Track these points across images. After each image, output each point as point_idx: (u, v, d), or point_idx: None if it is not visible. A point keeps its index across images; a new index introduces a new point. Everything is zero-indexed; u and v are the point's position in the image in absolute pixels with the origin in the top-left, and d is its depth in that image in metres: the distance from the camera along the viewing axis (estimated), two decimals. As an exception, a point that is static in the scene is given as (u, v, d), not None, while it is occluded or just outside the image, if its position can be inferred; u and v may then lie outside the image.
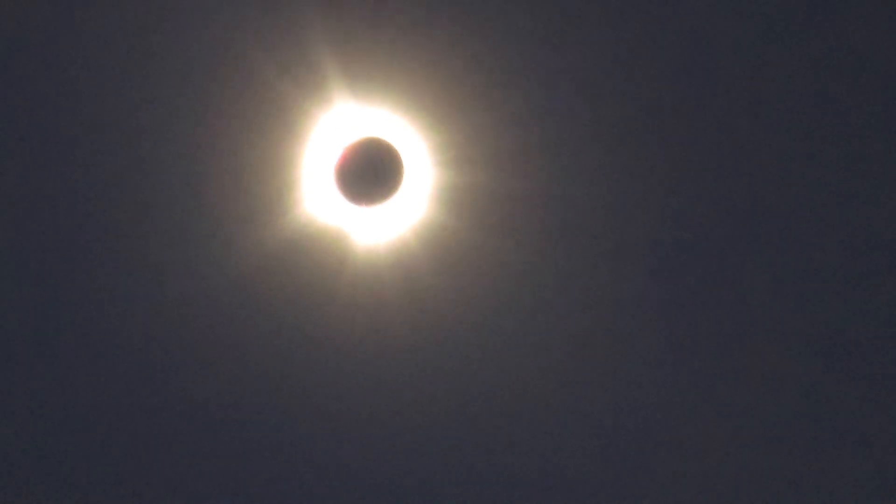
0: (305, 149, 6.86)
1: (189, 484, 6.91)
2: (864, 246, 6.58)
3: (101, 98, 6.65)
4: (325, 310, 6.91)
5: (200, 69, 6.71)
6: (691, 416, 6.79)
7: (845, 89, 6.49)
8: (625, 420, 6.79)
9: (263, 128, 6.79)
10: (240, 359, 6.93)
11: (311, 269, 6.89)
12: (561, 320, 6.87)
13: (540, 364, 6.91)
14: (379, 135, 6.84)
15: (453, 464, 6.93)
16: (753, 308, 6.73)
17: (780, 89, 6.67)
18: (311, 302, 6.88)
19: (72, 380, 6.84)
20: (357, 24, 6.69)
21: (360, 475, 6.93)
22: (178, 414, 6.93)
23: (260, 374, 6.92)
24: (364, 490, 6.91)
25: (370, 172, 6.83)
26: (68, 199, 6.75)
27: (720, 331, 6.69)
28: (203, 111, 6.76)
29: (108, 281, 6.83)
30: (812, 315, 6.69)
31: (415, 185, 6.91)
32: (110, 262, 6.78)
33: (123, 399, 6.91)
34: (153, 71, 6.71)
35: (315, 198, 6.90)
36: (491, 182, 6.82)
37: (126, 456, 6.87)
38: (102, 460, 6.85)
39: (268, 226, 6.85)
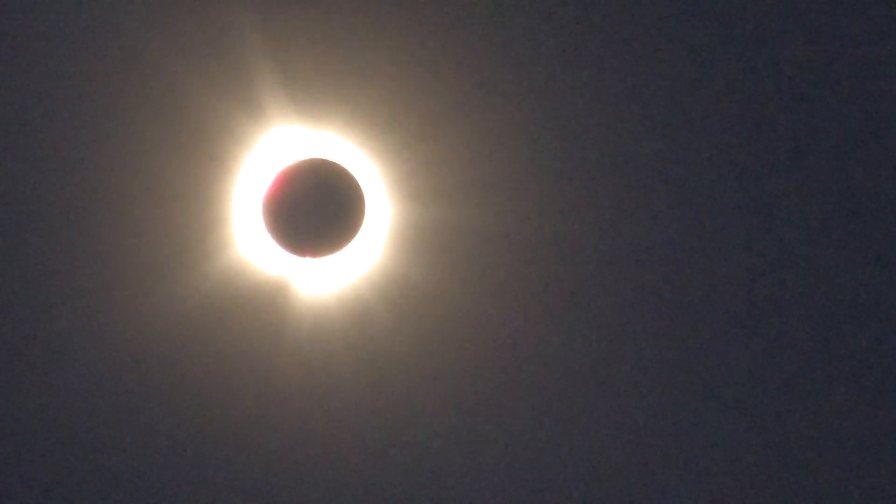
0: (236, 179, 5.60)
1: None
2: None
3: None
4: (261, 376, 5.65)
5: (105, 80, 5.45)
6: (674, 439, 5.66)
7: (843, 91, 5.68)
8: (602, 469, 5.60)
9: (185, 154, 5.53)
10: (159, 432, 5.66)
11: (244, 325, 5.63)
12: (535, 376, 5.72)
13: (510, 419, 5.75)
14: (327, 158, 5.59)
15: None
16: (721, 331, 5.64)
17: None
18: (243, 365, 5.63)
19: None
20: (299, 28, 5.46)
21: None
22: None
23: (181, 451, 5.65)
24: None
25: (315, 209, 5.57)
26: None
27: (701, 362, 5.75)
28: (109, 133, 5.50)
29: (5, 342, 5.57)
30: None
31: (372, 224, 5.67)
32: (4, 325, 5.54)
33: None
34: (46, 83, 5.44)
35: (248, 239, 5.65)
36: (464, 220, 5.60)
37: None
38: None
39: (191, 273, 5.59)
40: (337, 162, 5.60)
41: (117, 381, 5.61)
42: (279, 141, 5.58)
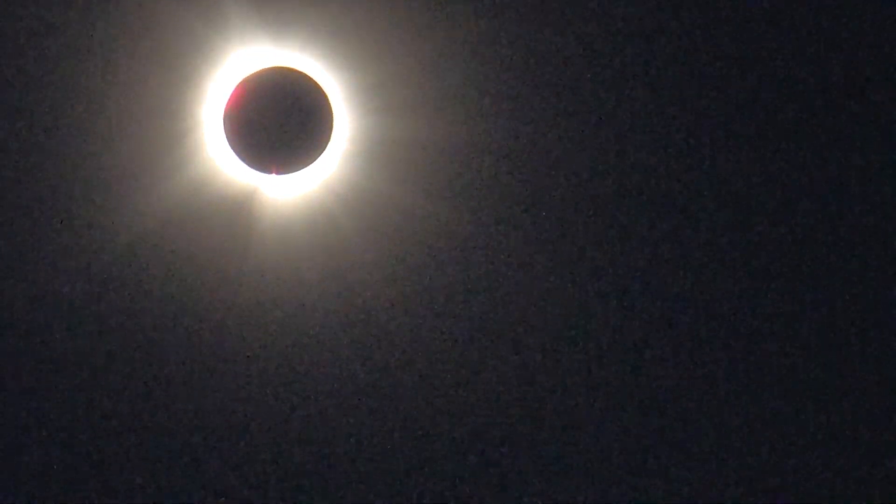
0: (203, 93, 5.58)
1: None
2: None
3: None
4: (228, 283, 5.56)
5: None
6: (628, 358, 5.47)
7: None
8: (550, 369, 5.48)
9: (152, 67, 5.53)
10: (130, 342, 5.56)
11: (211, 234, 5.56)
12: (487, 275, 5.56)
13: (464, 313, 5.58)
14: (292, 67, 5.56)
15: (381, 425, 5.53)
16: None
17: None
18: (211, 273, 5.54)
19: None
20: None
21: (276, 448, 5.51)
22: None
23: (151, 359, 5.54)
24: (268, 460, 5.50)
25: (282, 123, 5.52)
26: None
27: (666, 262, 5.55)
28: (77, 49, 5.52)
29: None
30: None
31: (335, 136, 5.61)
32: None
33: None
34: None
35: (216, 150, 5.61)
36: (424, 132, 5.54)
37: None
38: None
39: (159, 185, 5.55)
40: (301, 71, 5.56)
41: (89, 292, 5.53)
42: (244, 55, 5.56)
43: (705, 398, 5.61)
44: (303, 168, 5.60)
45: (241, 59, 5.57)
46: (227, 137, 5.55)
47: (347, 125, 5.60)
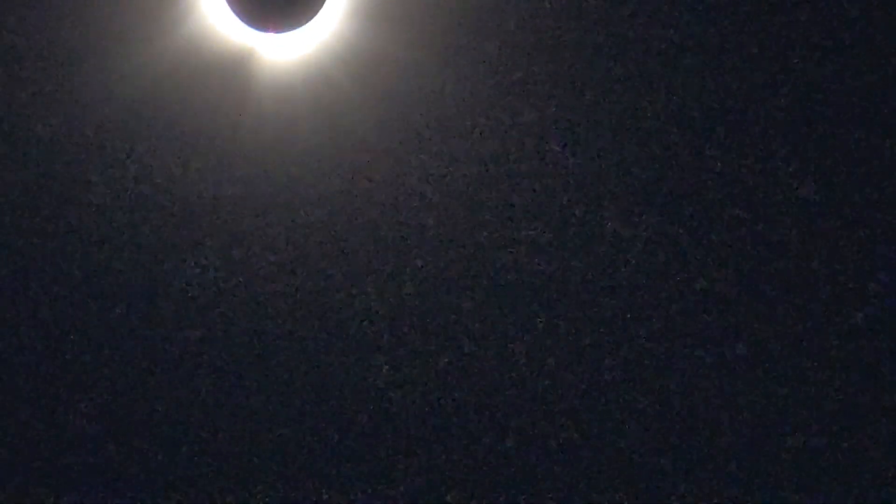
0: (198, -51, 5.46)
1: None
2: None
3: None
4: (222, 149, 5.44)
5: None
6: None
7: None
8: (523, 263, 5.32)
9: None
10: (118, 211, 5.46)
11: (205, 98, 5.44)
12: (489, 139, 5.43)
13: (464, 177, 5.44)
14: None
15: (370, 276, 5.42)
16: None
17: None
18: (209, 133, 5.43)
19: None
20: None
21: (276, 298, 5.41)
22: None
23: (145, 221, 5.44)
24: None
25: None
26: None
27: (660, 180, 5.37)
28: None
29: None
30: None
31: (334, -4, 5.48)
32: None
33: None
34: None
35: (209, 8, 5.49)
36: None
37: None
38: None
39: (148, 45, 5.43)
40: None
41: (83, 152, 5.43)
42: None
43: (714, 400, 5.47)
44: (299, 26, 5.47)
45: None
46: (225, -3, 5.43)
47: (346, -18, 5.47)
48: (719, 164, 5.43)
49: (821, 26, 5.48)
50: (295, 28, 5.48)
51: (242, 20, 5.46)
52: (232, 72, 5.46)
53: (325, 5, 5.46)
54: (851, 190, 5.43)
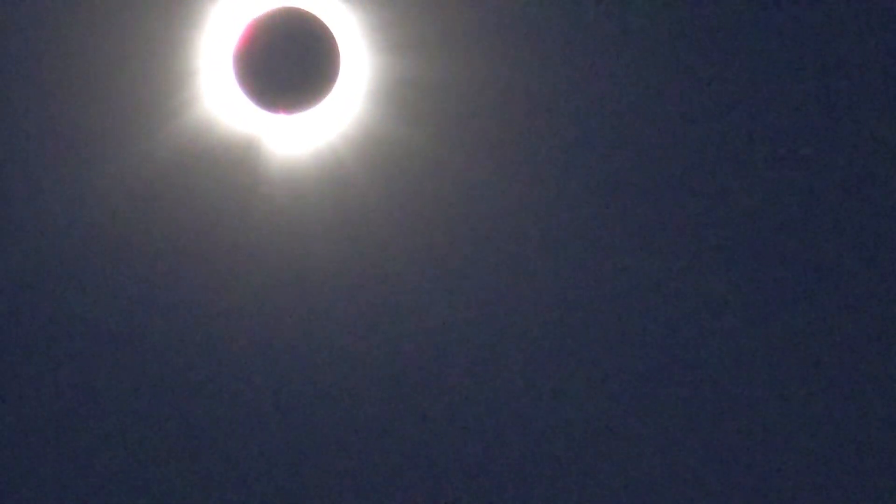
0: (208, 31, 5.33)
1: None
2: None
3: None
4: (232, 238, 5.36)
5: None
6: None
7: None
8: (563, 328, 5.38)
9: (155, 3, 5.28)
10: (130, 289, 5.38)
11: (216, 181, 5.35)
12: (508, 227, 5.42)
13: (482, 267, 5.45)
14: (301, 6, 5.32)
15: (379, 393, 5.42)
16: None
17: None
18: (215, 223, 5.35)
19: None
20: None
21: (275, 415, 5.39)
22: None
23: (152, 306, 5.37)
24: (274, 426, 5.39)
25: (288, 63, 5.29)
26: None
27: (677, 215, 5.48)
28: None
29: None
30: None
31: (349, 78, 5.39)
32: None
33: None
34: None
35: (219, 93, 5.39)
36: (443, 73, 5.32)
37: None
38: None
39: (160, 129, 5.32)
40: (311, 10, 5.32)
41: (92, 234, 5.34)
42: (251, -10, 5.32)
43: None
44: (311, 108, 5.38)
45: (246, -5, 5.33)
46: (236, 77, 5.32)
47: (357, 64, 5.38)
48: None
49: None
50: (305, 110, 5.40)
51: (254, 102, 5.36)
52: (243, 153, 5.37)
53: (336, 87, 5.37)
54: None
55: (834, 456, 5.54)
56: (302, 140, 5.40)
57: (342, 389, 5.40)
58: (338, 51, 5.33)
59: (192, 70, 5.34)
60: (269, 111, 5.37)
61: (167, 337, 5.36)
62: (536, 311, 5.45)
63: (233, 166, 5.35)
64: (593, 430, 5.45)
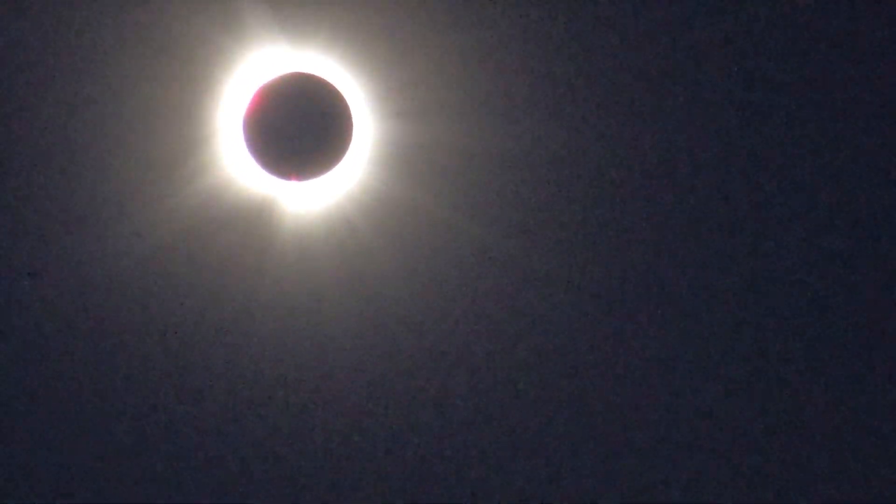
0: (220, 99, 5.52)
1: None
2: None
3: None
4: (244, 298, 5.51)
5: (89, 6, 5.43)
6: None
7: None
8: (591, 389, 5.55)
9: (167, 70, 5.47)
10: (145, 354, 5.53)
11: (228, 247, 5.51)
12: (512, 287, 5.59)
13: (488, 326, 5.61)
14: (310, 72, 5.50)
15: (397, 444, 5.56)
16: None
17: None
18: (229, 284, 5.50)
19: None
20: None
21: (284, 466, 5.53)
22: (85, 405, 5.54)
23: (167, 372, 5.52)
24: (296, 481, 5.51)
25: (299, 128, 5.47)
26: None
27: (676, 275, 5.61)
28: (95, 57, 5.46)
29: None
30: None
31: (360, 145, 5.56)
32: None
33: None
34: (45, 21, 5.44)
35: (231, 158, 5.56)
36: (447, 138, 5.49)
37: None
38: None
39: (174, 194, 5.49)
40: (321, 76, 5.50)
41: (106, 300, 5.49)
42: (262, 59, 5.50)
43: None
44: (322, 174, 5.55)
45: (258, 63, 5.50)
46: (246, 143, 5.49)
47: (367, 130, 5.55)
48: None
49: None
50: (317, 176, 5.55)
51: (265, 168, 5.52)
52: (254, 219, 5.54)
53: (346, 154, 5.54)
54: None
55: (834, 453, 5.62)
56: (312, 202, 5.56)
57: (351, 443, 5.53)
58: (348, 117, 5.50)
59: (205, 136, 5.52)
60: (281, 178, 5.53)
61: (182, 399, 5.50)
62: (540, 367, 5.59)
63: (246, 228, 5.51)
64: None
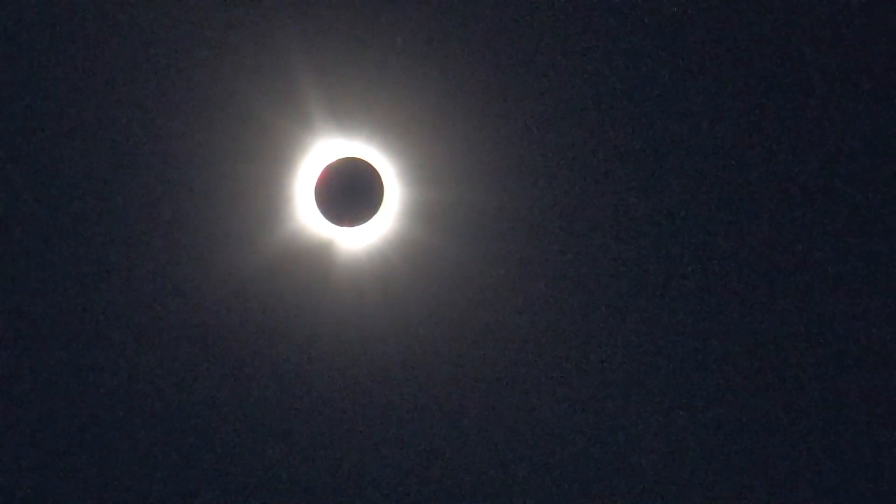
0: (292, 172, 7.69)
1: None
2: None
3: (101, 119, 7.44)
4: (313, 318, 7.67)
5: (200, 106, 7.56)
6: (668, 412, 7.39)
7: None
8: (606, 423, 7.24)
9: (254, 154, 7.61)
10: (234, 367, 7.64)
11: (299, 282, 7.65)
12: (532, 325, 7.54)
13: (517, 370, 7.47)
14: (358, 156, 7.68)
15: (434, 472, 7.63)
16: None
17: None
18: (299, 311, 7.64)
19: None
20: (338, 59, 7.55)
21: (342, 487, 7.54)
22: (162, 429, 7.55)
23: (251, 380, 7.64)
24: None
25: (351, 193, 7.65)
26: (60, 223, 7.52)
27: (697, 339, 7.17)
28: (201, 141, 7.59)
29: (100, 297, 7.46)
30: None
31: (392, 203, 7.73)
32: (101, 280, 7.46)
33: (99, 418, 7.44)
34: (157, 103, 7.56)
35: (301, 217, 7.71)
36: (458, 198, 7.61)
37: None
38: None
39: (258, 243, 7.62)
40: (364, 158, 7.68)
41: (208, 318, 7.62)
42: (322, 142, 7.67)
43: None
44: (366, 223, 7.72)
45: (320, 145, 7.67)
46: (316, 201, 7.64)
47: (398, 193, 7.71)
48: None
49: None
50: (362, 223, 7.72)
51: (326, 218, 7.69)
52: (317, 259, 7.70)
53: (384, 210, 7.71)
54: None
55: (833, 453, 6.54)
56: (360, 246, 7.74)
57: (395, 469, 7.49)
58: (382, 184, 7.68)
59: (283, 200, 7.70)
60: (336, 224, 7.70)
61: (247, 408, 7.66)
62: (558, 402, 7.45)
63: (310, 268, 7.67)
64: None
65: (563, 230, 7.51)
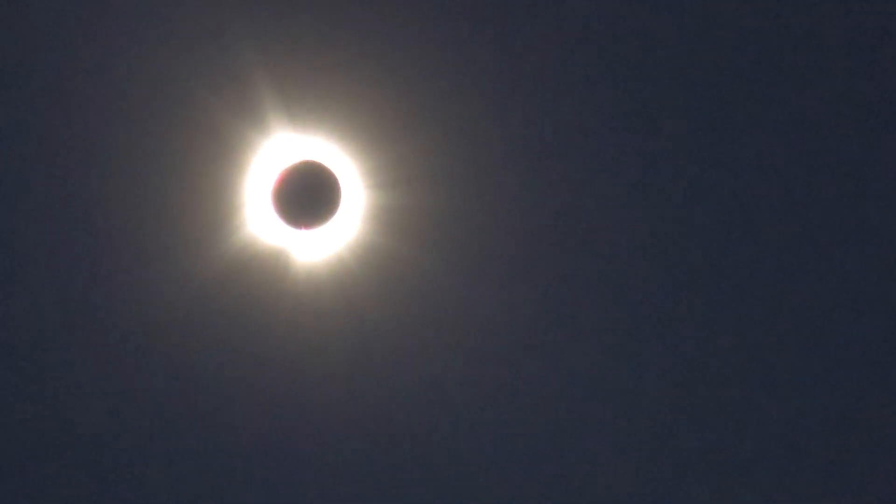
0: (246, 175, 7.45)
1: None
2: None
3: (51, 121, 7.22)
4: (269, 324, 7.48)
5: (148, 105, 7.30)
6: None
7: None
8: (572, 433, 7.24)
9: (207, 156, 7.37)
10: (187, 374, 7.46)
11: (256, 286, 7.45)
12: (488, 331, 7.42)
13: (479, 375, 7.41)
14: (315, 159, 7.44)
15: (390, 482, 7.51)
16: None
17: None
18: (255, 317, 7.45)
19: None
20: (294, 57, 7.30)
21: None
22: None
23: (206, 387, 7.46)
24: None
25: (307, 196, 7.41)
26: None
27: (681, 347, 7.20)
28: (151, 143, 7.34)
29: (52, 306, 7.33)
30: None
31: (349, 207, 7.50)
32: (55, 288, 7.31)
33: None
34: (105, 108, 7.29)
35: (257, 221, 7.49)
36: (419, 202, 7.43)
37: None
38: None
39: (213, 248, 7.41)
40: (321, 162, 7.45)
41: (159, 329, 7.42)
42: (278, 144, 7.41)
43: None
44: (322, 226, 7.50)
45: (274, 146, 7.42)
46: (273, 205, 7.41)
47: (355, 196, 7.49)
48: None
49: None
50: (319, 226, 7.50)
51: (283, 221, 7.46)
52: (274, 263, 7.48)
53: (341, 213, 7.48)
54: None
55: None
56: (316, 251, 7.52)
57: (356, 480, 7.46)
58: (340, 187, 7.45)
59: (237, 204, 7.46)
60: (293, 227, 7.48)
61: (209, 415, 7.48)
62: (533, 410, 7.38)
63: (267, 272, 7.47)
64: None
65: (526, 234, 7.33)
